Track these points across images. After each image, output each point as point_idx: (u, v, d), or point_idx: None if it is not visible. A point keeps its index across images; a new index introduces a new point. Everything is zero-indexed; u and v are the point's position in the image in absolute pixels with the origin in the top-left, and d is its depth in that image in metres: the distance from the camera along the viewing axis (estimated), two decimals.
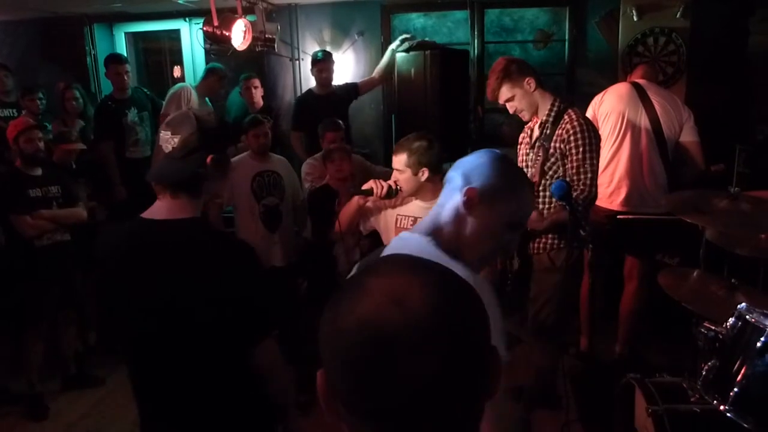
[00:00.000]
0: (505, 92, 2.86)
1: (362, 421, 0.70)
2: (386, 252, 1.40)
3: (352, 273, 1.38)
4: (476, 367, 0.69)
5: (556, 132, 2.82)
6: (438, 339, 0.66)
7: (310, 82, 5.06)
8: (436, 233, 1.36)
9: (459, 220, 1.37)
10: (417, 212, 2.77)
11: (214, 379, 1.67)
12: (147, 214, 1.70)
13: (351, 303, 0.71)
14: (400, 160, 2.67)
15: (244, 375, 1.67)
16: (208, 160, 1.70)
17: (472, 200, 1.35)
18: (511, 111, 2.93)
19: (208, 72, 4.99)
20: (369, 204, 2.87)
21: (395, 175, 2.72)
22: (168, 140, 1.68)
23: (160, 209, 1.69)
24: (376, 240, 3.15)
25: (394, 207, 2.84)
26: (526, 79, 2.84)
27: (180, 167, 1.67)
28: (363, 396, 0.68)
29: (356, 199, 2.87)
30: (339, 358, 0.70)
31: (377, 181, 2.76)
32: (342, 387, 0.70)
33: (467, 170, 1.40)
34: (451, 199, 1.40)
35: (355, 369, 0.68)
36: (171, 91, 4.84)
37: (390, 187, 2.73)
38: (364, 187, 2.78)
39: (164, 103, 4.86)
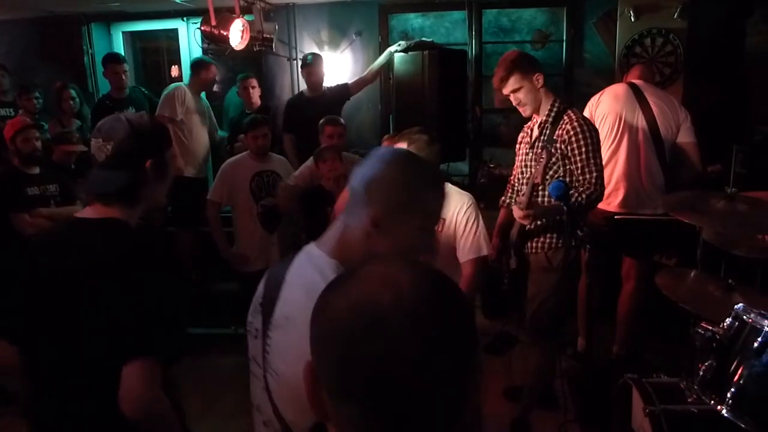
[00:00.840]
0: (513, 82, 2.85)
1: (348, 405, 0.70)
2: (293, 265, 1.37)
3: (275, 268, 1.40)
4: (463, 355, 0.70)
5: (556, 132, 2.83)
6: (427, 320, 0.69)
7: None
8: (343, 253, 1.30)
9: (369, 241, 1.27)
10: None
11: (84, 391, 1.53)
12: (80, 213, 1.64)
13: (343, 288, 0.74)
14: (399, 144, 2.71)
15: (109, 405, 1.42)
16: (148, 164, 1.59)
17: (379, 223, 1.25)
18: (514, 102, 2.92)
19: (194, 66, 4.87)
20: None
21: None
22: (101, 148, 1.56)
23: (90, 211, 1.61)
24: None
25: None
26: (536, 75, 2.85)
27: (113, 176, 1.56)
28: (350, 375, 0.69)
29: None
30: (329, 338, 0.71)
31: None
32: (330, 369, 0.71)
33: (369, 183, 1.27)
34: (356, 216, 1.28)
35: (345, 346, 0.69)
36: (165, 92, 4.77)
37: None
38: None
39: (158, 104, 4.79)
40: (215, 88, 5.29)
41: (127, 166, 1.57)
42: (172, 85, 4.81)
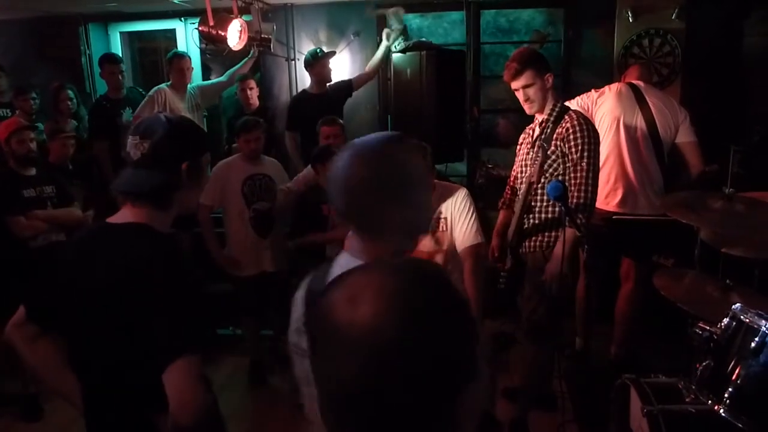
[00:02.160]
0: (527, 78, 2.84)
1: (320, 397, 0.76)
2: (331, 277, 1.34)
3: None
4: (412, 384, 0.68)
5: (556, 131, 2.84)
6: (372, 346, 0.68)
7: (305, 82, 5.04)
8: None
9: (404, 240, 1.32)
10: None
11: (127, 399, 1.52)
12: (111, 218, 1.59)
13: (329, 294, 0.76)
14: None
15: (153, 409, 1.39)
16: (184, 166, 1.54)
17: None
18: (522, 98, 2.90)
19: (170, 62, 4.77)
20: None
21: None
22: (137, 146, 1.52)
23: (121, 215, 1.57)
24: None
25: None
26: (547, 75, 2.86)
27: (147, 176, 1.52)
28: (316, 380, 0.75)
29: None
30: (312, 339, 0.79)
31: None
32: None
33: (352, 201, 1.27)
34: (379, 227, 1.28)
35: (313, 352, 0.75)
36: (148, 94, 4.73)
37: None
38: None
39: (139, 106, 4.70)
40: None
41: (162, 166, 1.53)
42: (156, 87, 4.75)
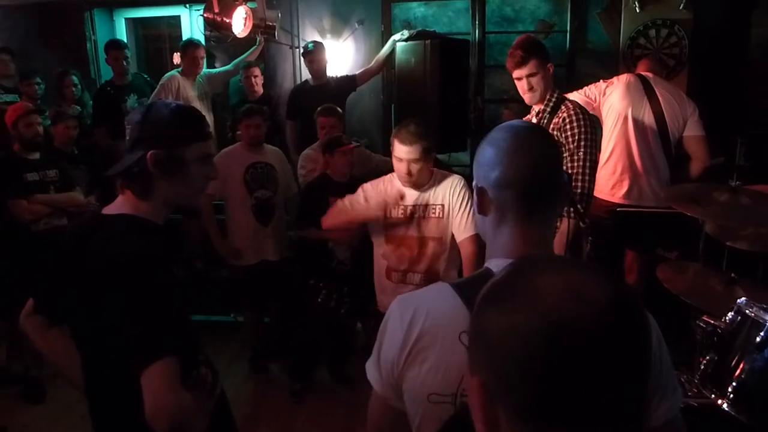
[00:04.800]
0: (532, 66, 2.82)
1: (541, 427, 0.67)
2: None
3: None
4: (650, 363, 0.67)
5: (553, 121, 2.83)
6: (627, 336, 0.65)
7: None
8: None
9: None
10: (408, 200, 2.81)
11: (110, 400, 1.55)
12: (107, 207, 1.59)
13: (523, 303, 0.68)
14: (416, 151, 2.72)
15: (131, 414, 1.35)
16: (149, 154, 1.47)
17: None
18: (524, 87, 2.88)
19: (184, 50, 4.78)
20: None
21: (407, 166, 2.76)
22: (128, 132, 1.55)
23: (114, 205, 1.57)
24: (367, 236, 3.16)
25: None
26: (549, 65, 2.86)
27: (125, 159, 1.52)
28: (543, 399, 0.65)
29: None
30: (514, 361, 0.66)
31: (389, 202, 2.89)
32: (514, 392, 0.67)
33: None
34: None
35: (539, 371, 0.65)
36: (160, 82, 4.75)
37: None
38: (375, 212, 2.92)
39: (152, 94, 4.76)
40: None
41: (132, 151, 1.51)
42: (167, 74, 4.77)
